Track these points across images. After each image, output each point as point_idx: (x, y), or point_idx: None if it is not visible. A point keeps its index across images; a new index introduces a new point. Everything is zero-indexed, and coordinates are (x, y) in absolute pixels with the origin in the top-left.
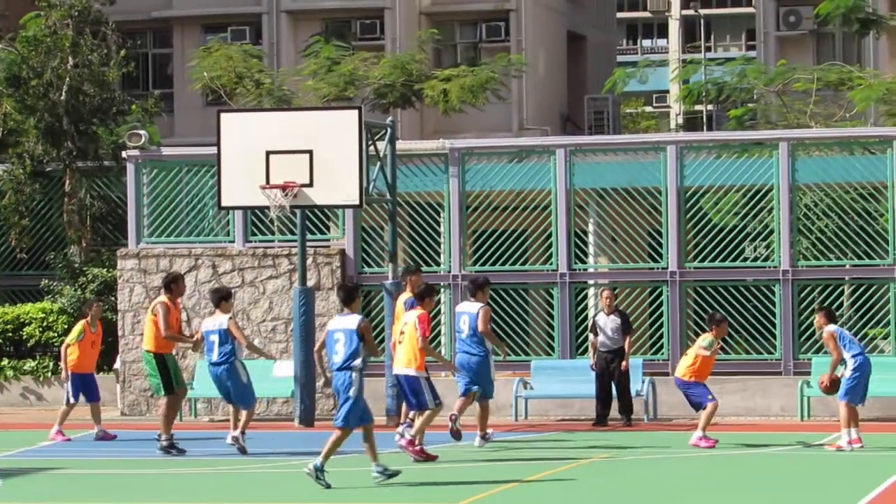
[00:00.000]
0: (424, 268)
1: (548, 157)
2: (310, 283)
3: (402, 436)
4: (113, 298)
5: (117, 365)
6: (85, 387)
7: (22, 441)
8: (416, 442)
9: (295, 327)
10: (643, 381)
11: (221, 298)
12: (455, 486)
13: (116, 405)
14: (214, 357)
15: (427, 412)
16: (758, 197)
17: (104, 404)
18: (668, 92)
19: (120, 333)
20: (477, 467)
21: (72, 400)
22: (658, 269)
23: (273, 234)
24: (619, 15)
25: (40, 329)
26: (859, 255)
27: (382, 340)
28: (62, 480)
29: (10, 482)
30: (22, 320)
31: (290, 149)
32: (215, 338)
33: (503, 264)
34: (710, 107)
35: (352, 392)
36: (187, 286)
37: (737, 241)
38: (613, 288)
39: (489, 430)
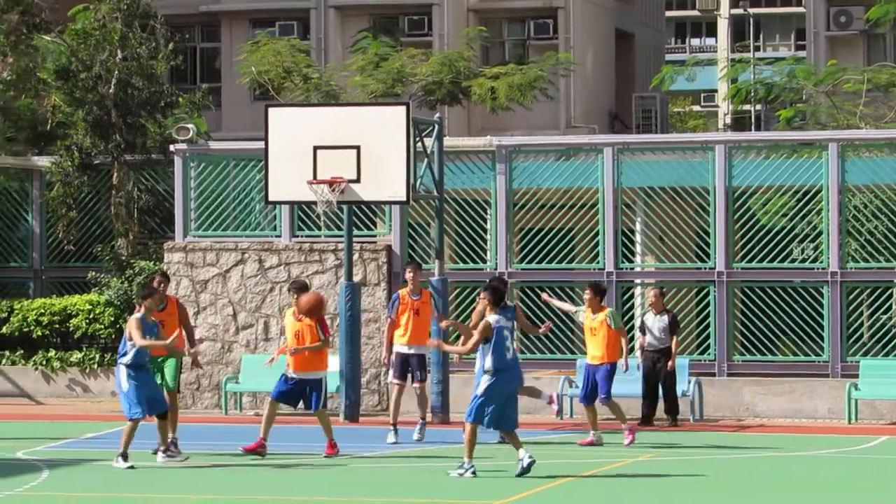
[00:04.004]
0: (471, 265)
1: (595, 156)
2: (356, 279)
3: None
4: None
5: None
6: None
7: (67, 432)
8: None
9: (340, 322)
10: (689, 382)
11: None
12: (500, 482)
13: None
14: None
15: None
16: (807, 198)
17: None
18: (715, 91)
19: None
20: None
21: None
22: (705, 269)
23: (319, 229)
24: (668, 13)
25: (87, 321)
26: None
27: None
28: (107, 472)
29: (56, 473)
30: (69, 312)
31: (338, 144)
32: None
33: (550, 262)
34: (758, 107)
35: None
36: (234, 281)
37: (785, 242)
38: (661, 287)
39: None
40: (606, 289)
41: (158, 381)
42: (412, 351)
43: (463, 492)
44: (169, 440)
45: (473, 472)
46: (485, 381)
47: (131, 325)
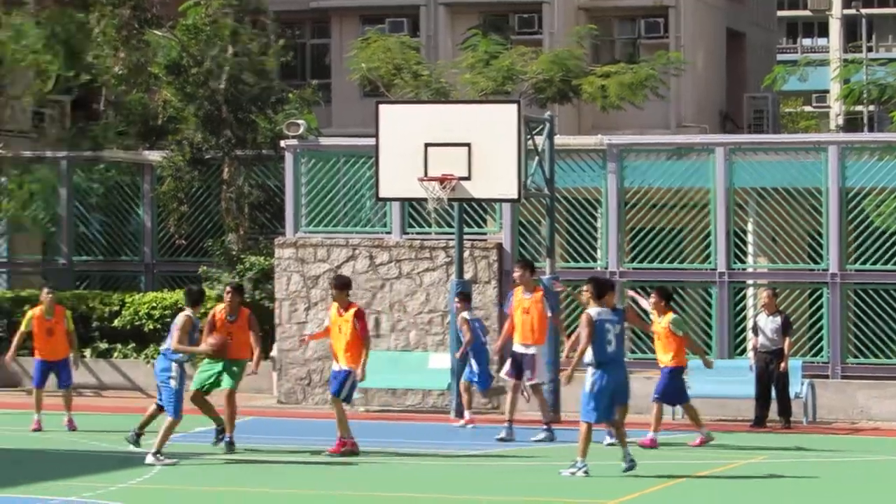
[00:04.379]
0: (581, 264)
1: (707, 155)
2: (466, 277)
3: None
4: (270, 286)
5: (274, 353)
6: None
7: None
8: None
9: (451, 320)
10: (802, 383)
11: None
12: (613, 482)
13: (273, 393)
14: None
15: None
16: None
17: (260, 392)
18: (827, 92)
19: (276, 322)
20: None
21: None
22: (819, 270)
23: (430, 226)
24: (780, 13)
25: (197, 316)
26: None
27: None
28: (217, 466)
29: (167, 467)
30: (179, 306)
31: (449, 141)
32: None
33: (660, 262)
34: (871, 108)
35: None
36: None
37: None
38: (774, 288)
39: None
40: (672, 293)
41: (215, 379)
42: (522, 350)
43: (575, 491)
44: (227, 437)
45: (586, 472)
46: (589, 375)
47: (180, 324)
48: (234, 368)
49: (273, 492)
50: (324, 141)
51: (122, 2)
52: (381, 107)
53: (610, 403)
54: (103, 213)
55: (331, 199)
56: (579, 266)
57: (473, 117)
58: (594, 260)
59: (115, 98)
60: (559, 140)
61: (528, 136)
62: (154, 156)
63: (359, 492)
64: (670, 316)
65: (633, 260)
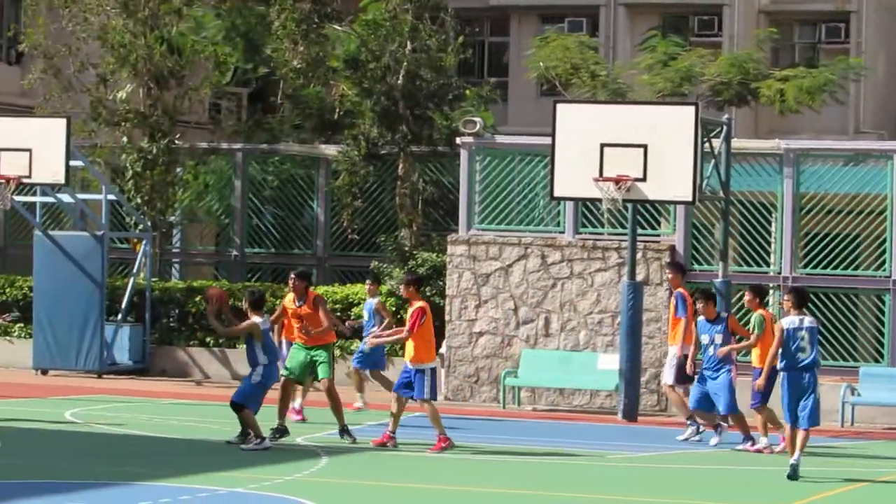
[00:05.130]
0: (754, 268)
1: (885, 162)
2: (638, 278)
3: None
4: (441, 283)
5: (443, 350)
6: None
7: (347, 419)
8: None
9: (622, 321)
10: None
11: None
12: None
13: (440, 390)
14: None
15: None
16: None
17: None
18: None
19: (447, 318)
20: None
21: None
22: None
23: (602, 226)
24: None
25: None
26: None
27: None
28: (385, 460)
29: (335, 460)
30: (350, 300)
31: (625, 142)
32: None
33: (834, 268)
34: None
35: (818, 391)
36: (517, 275)
37: None
38: None
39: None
40: (768, 290)
41: (303, 369)
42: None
43: (761, 492)
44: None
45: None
46: (779, 381)
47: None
48: (319, 356)
49: (444, 488)
50: (499, 139)
51: None
52: (559, 106)
53: (794, 407)
54: (277, 206)
55: (504, 198)
56: (752, 270)
57: (650, 118)
58: (767, 265)
59: (293, 91)
60: (735, 143)
61: (705, 139)
62: (330, 150)
63: (533, 490)
64: (756, 315)
65: (806, 266)
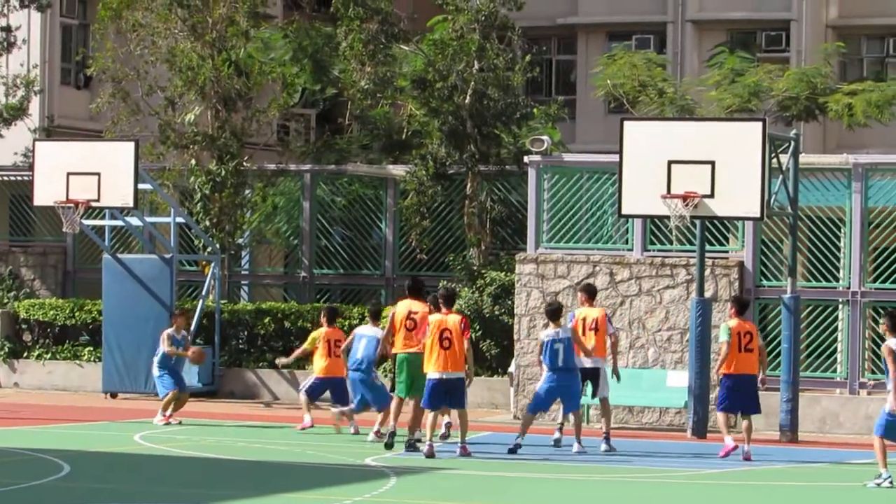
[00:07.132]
0: (822, 283)
1: None
2: (707, 295)
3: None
4: (509, 302)
5: (511, 368)
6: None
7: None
8: None
9: (691, 338)
10: None
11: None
12: None
13: (509, 409)
14: None
15: None
16: None
17: (497, 407)
18: None
19: (515, 337)
20: None
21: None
22: None
23: (671, 243)
24: None
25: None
26: None
27: (778, 355)
28: (454, 480)
29: (403, 480)
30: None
31: (692, 159)
32: None
33: None
34: None
35: None
36: None
37: None
38: None
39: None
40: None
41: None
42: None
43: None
44: (384, 428)
45: (891, 482)
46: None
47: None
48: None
49: None
50: (567, 156)
51: (369, 16)
52: (626, 123)
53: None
54: (345, 227)
55: (573, 216)
56: (820, 285)
57: (717, 135)
58: (836, 280)
59: (360, 112)
60: (804, 158)
61: (773, 154)
62: (398, 170)
63: None
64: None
65: (875, 280)
